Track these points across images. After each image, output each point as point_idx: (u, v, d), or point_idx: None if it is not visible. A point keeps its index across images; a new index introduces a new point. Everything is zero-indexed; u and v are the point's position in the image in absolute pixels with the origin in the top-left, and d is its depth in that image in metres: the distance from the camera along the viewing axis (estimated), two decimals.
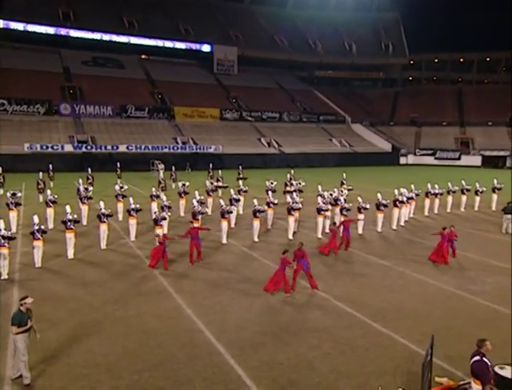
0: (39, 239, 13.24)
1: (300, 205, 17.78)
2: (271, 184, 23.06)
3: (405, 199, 19.38)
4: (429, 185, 22.91)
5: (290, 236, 16.90)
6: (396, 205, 18.98)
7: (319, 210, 17.25)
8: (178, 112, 58.20)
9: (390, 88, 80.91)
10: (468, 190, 23.72)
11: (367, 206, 17.64)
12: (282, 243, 16.27)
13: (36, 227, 13.22)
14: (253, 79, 70.41)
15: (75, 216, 14.69)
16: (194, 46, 70.69)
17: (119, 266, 13.62)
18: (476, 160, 58.22)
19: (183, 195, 21.16)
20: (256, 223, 16.56)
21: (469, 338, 8.70)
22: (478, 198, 23.79)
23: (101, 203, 16.16)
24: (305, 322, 9.64)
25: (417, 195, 21.22)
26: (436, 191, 22.64)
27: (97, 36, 64.19)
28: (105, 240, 15.59)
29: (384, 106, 74.10)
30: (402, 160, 61.76)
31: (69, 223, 14.21)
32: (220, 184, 26.29)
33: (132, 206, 16.33)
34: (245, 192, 22.23)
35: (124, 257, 14.65)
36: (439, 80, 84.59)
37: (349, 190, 23.51)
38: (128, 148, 48.66)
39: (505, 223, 18.32)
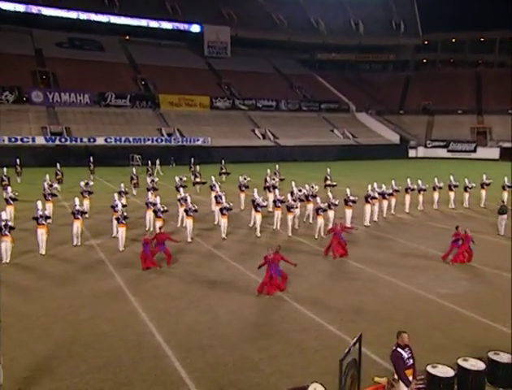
0: (6, 235, 14.78)
1: (265, 203, 19.12)
2: (244, 179, 24.37)
3: (376, 195, 20.72)
4: (408, 181, 24.04)
5: (258, 234, 18.52)
6: (367, 201, 20.30)
7: (288, 208, 18.54)
8: (163, 100, 59.10)
9: (401, 72, 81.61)
10: (456, 186, 24.85)
11: (336, 202, 18.97)
12: (253, 242, 17.40)
13: (3, 223, 14.46)
14: (248, 63, 71.22)
15: (47, 212, 16.41)
16: (182, 26, 71.47)
17: (79, 268, 14.63)
18: (494, 152, 58.97)
19: (152, 191, 22.49)
20: (224, 221, 18.16)
21: (421, 339, 9.57)
22: (467, 195, 24.82)
23: (77, 199, 17.60)
24: (260, 325, 10.51)
25: (396, 191, 22.54)
26: (422, 187, 23.78)
27: (73, 14, 64.80)
28: (79, 237, 17.14)
29: (394, 93, 74.81)
30: (411, 153, 62.65)
31: (40, 219, 15.82)
32: (198, 180, 27.41)
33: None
34: (247, 187, 23.89)
35: (87, 258, 15.76)
36: (456, 62, 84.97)
37: (332, 186, 25.03)
38: (106, 140, 49.61)
39: (501, 224, 19.11)
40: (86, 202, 21.08)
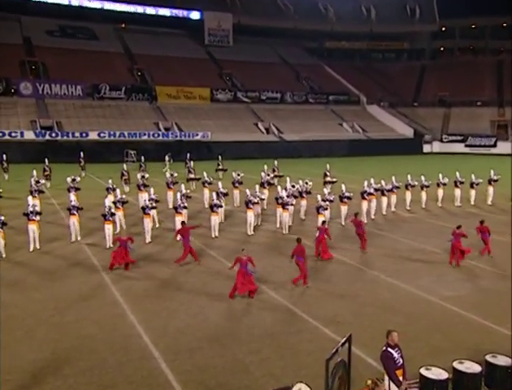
0: None
1: (256, 200, 19.74)
2: (238, 175, 25.10)
3: (372, 190, 21.46)
4: (409, 177, 24.54)
5: (249, 232, 19.20)
6: (363, 198, 20.99)
7: (283, 205, 19.18)
8: (161, 92, 59.62)
9: (416, 61, 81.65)
10: (462, 182, 25.23)
11: (332, 198, 19.72)
12: (240, 239, 18.27)
13: None
14: (252, 52, 71.55)
15: (37, 208, 17.35)
16: (181, 13, 71.98)
17: (66, 267, 15.13)
18: None
19: (142, 188, 23.21)
20: (214, 219, 18.92)
21: (420, 342, 9.86)
22: (473, 191, 25.19)
23: (72, 195, 18.59)
24: (252, 327, 10.83)
25: (396, 187, 23.16)
26: (424, 183, 24.39)
27: (64, 0, 65.29)
28: (78, 234, 18.15)
29: (408, 83, 74.83)
30: (426, 148, 62.86)
31: (31, 215, 16.68)
32: (192, 176, 28.00)
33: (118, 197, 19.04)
34: (241, 183, 24.83)
35: (74, 257, 16.31)
36: (476, 50, 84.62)
37: (332, 183, 25.84)
38: (99, 135, 50.13)
39: None
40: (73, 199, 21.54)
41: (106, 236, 17.33)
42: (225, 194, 21.42)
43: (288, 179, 23.39)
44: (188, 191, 21.18)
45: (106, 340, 10.34)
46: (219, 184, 22.48)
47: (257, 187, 21.69)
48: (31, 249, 16.72)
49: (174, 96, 60.18)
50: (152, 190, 20.55)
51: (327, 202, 19.49)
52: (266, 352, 9.71)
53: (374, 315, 11.37)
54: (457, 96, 68.68)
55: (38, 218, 17.48)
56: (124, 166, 31.14)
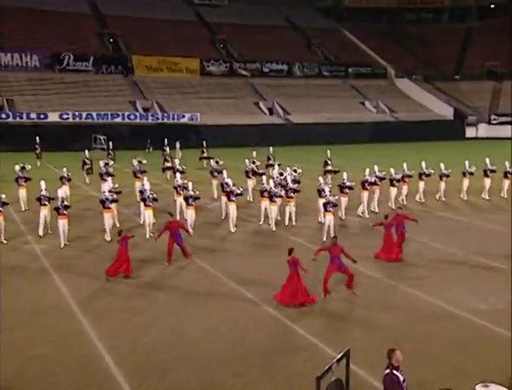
0: None
1: (239, 191, 20.87)
2: (217, 163, 27.19)
3: (374, 179, 22.62)
4: (423, 164, 25.85)
5: (232, 229, 20.48)
6: (364, 188, 22.13)
7: (271, 197, 20.29)
8: (138, 64, 60.07)
9: (459, 23, 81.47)
10: (493, 171, 26.37)
11: (325, 187, 20.48)
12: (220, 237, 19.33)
13: None
14: (251, 13, 71.91)
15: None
16: None
17: (15, 274, 15.61)
18: None
19: (105, 177, 24.44)
20: (190, 213, 20.00)
21: (439, 362, 10.23)
22: (507, 182, 26.39)
23: (43, 183, 19.90)
24: (237, 345, 11.22)
25: (409, 176, 24.57)
26: (443, 172, 25.66)
27: None
28: (48, 226, 19.49)
29: (448, 51, 74.81)
30: (470, 132, 63.25)
31: None
32: (169, 164, 28.98)
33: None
34: (220, 172, 25.63)
35: (23, 261, 16.94)
36: None
37: (334, 172, 27.56)
38: (61, 117, 50.68)
39: None
40: (22, 191, 22.96)
41: (59, 234, 18.09)
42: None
43: (276, 166, 24.80)
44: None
45: (62, 361, 10.72)
46: (224, 173, 23.33)
47: (224, 173, 23.05)
48: None
49: (155, 68, 60.71)
50: (109, 180, 22.03)
51: (336, 196, 20.18)
52: (253, 374, 10.08)
53: (387, 331, 11.73)
54: (511, 66, 68.52)
55: None
56: (86, 152, 32.14)
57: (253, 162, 27.63)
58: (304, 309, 13.06)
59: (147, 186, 20.59)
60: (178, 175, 23.51)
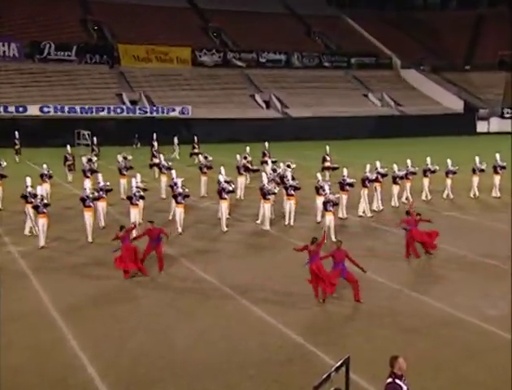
0: None
1: (230, 188, 21.10)
2: (205, 158, 27.82)
3: (375, 176, 22.90)
4: (428, 160, 26.11)
5: (224, 228, 20.61)
6: (364, 185, 22.33)
7: (263, 194, 20.53)
8: (125, 53, 59.88)
9: (470, 9, 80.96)
10: (504, 168, 26.60)
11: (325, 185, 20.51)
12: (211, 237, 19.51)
13: None
14: None
15: None
16: None
17: None
18: None
19: (88, 174, 24.85)
20: (180, 211, 20.29)
21: (447, 372, 10.16)
22: None
23: (28, 179, 20.01)
24: (230, 353, 11.12)
25: (412, 173, 24.85)
26: (450, 168, 25.70)
27: None
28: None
29: (458, 40, 74.53)
30: (481, 126, 63.11)
31: None
32: (157, 160, 29.20)
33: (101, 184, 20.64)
34: (210, 168, 26.94)
35: (1, 263, 16.77)
36: None
37: (333, 169, 27.80)
38: (42, 110, 50.48)
39: None
40: None
41: (39, 234, 18.17)
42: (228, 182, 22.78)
43: (269, 161, 25.11)
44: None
45: (40, 371, 10.60)
46: (222, 169, 23.30)
47: (222, 169, 23.07)
48: None
49: (143, 58, 60.52)
50: (100, 176, 21.85)
51: (337, 194, 20.31)
52: (247, 386, 9.98)
53: (390, 338, 11.67)
54: None
55: None
56: (68, 148, 32.04)
57: (245, 158, 27.84)
58: (301, 316, 13.00)
59: (133, 183, 20.67)
60: (173, 172, 23.36)
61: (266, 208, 20.90)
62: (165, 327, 12.37)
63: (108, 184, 21.36)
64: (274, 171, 23.65)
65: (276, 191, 21.25)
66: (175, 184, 21.21)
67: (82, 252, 17.86)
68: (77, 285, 15.00)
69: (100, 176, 21.73)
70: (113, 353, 11.21)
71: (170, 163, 27.05)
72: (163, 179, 26.22)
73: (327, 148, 31.76)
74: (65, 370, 10.66)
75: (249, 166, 27.09)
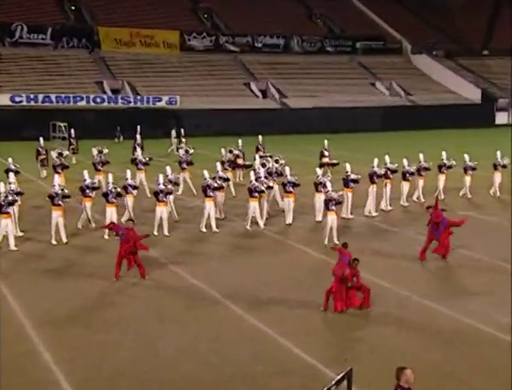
0: None
1: (216, 185, 21.06)
2: (186, 152, 28.25)
3: (383, 172, 22.78)
4: (444, 154, 25.76)
5: (214, 228, 20.65)
6: (372, 181, 22.21)
7: (250, 192, 20.48)
8: (106, 37, 59.52)
9: None
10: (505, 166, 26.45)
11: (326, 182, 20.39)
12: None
13: None
14: None
15: None
16: None
17: None
18: None
19: (59, 169, 24.93)
20: (160, 210, 20.17)
21: (460, 385, 10.05)
22: None
23: (12, 176, 20.74)
24: (221, 366, 10.97)
25: (426, 169, 24.60)
26: (469, 164, 25.58)
27: None
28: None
29: (475, 23, 73.79)
30: (500, 117, 62.72)
31: None
32: (138, 154, 29.06)
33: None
34: (191, 163, 26.78)
35: None
36: None
37: (333, 165, 27.63)
38: (13, 99, 50.09)
39: None
40: None
41: (8, 235, 18.08)
42: (226, 179, 23.10)
43: (257, 156, 25.50)
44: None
45: (9, 387, 10.38)
46: (218, 165, 23.27)
47: (218, 165, 23.12)
48: None
49: (126, 42, 60.25)
50: (86, 173, 21.43)
51: (340, 192, 20.00)
52: None
53: (398, 350, 11.53)
54: None
55: None
56: (41, 140, 31.81)
57: (231, 152, 27.79)
58: (300, 325, 12.86)
59: (110, 178, 20.87)
60: (168, 168, 22.75)
61: (251, 207, 20.67)
62: (149, 338, 12.20)
63: (96, 181, 21.35)
64: (263, 165, 23.51)
65: (264, 188, 20.95)
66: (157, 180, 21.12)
67: (51, 254, 17.63)
68: (51, 290, 14.84)
69: (86, 173, 21.34)
70: (91, 367, 11.02)
71: (147, 159, 26.83)
72: (140, 175, 25.79)
73: (326, 142, 31.63)
74: (38, 386, 10.50)
75: (240, 161, 27.04)
